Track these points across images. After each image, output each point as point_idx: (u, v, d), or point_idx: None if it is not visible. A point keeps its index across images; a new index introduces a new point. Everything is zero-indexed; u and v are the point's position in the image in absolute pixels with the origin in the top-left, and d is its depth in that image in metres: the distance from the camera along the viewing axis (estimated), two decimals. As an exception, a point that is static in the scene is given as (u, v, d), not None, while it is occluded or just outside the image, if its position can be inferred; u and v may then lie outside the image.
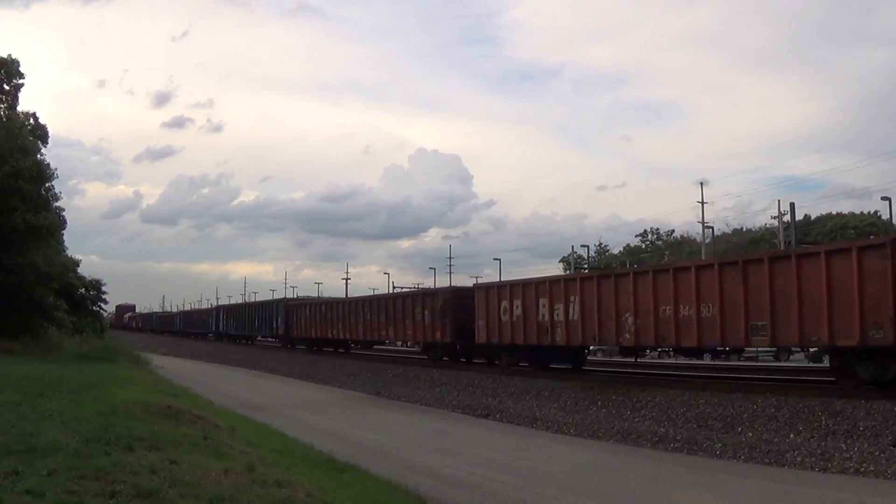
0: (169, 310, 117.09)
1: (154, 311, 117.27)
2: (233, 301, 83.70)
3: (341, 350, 38.68)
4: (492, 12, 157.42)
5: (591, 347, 24.12)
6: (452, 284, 59.18)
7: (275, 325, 45.36)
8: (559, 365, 22.92)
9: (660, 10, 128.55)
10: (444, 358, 28.07)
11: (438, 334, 27.07)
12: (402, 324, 29.61)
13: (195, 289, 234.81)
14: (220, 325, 58.96)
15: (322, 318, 37.92)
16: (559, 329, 20.70)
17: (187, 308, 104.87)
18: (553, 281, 21.82)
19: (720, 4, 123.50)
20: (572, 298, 20.24)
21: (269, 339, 50.57)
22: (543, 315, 21.24)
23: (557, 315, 20.68)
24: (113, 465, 6.76)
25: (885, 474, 11.16)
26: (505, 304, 22.97)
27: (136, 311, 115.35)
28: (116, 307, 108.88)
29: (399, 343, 38.37)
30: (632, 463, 13.04)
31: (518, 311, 22.34)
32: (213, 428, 11.13)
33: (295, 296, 61.25)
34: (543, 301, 21.30)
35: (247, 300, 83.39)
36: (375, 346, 38.40)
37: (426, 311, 27.66)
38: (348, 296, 60.09)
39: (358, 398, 24.94)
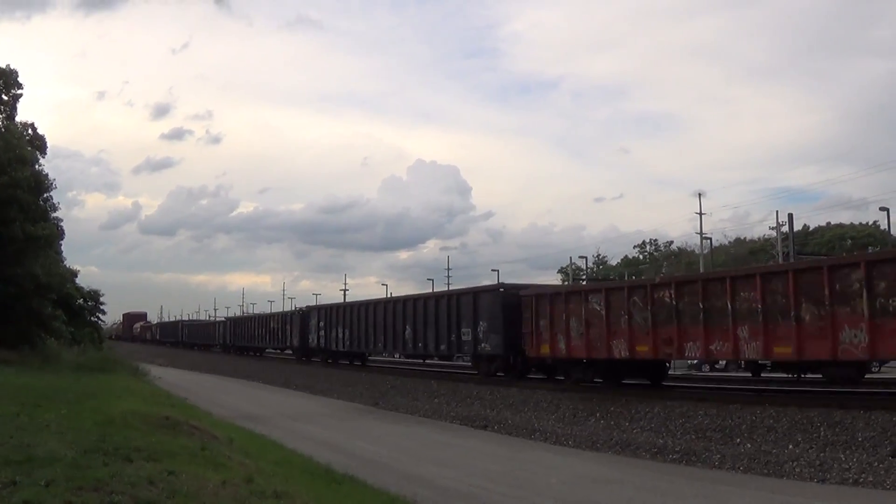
0: (188, 317, 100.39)
1: (184, 317, 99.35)
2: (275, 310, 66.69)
3: (641, 382, 20.47)
4: (492, 24, 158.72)
5: None
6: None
7: (473, 336, 24.61)
8: None
9: (658, 23, 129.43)
10: None
11: None
12: None
13: (193, 300, 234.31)
14: (312, 337, 39.22)
15: (644, 319, 18.03)
16: None
17: (235, 314, 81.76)
18: None
19: (719, 16, 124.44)
20: None
21: (435, 359, 32.72)
22: None
23: None
24: (111, 475, 6.74)
25: (883, 485, 11.15)
26: None
27: (149, 319, 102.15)
28: (124, 316, 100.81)
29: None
30: (630, 474, 13.02)
31: None
32: (210, 439, 11.12)
33: (294, 307, 54.43)
34: None
35: (245, 311, 78.17)
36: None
37: None
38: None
39: (356, 409, 24.87)
